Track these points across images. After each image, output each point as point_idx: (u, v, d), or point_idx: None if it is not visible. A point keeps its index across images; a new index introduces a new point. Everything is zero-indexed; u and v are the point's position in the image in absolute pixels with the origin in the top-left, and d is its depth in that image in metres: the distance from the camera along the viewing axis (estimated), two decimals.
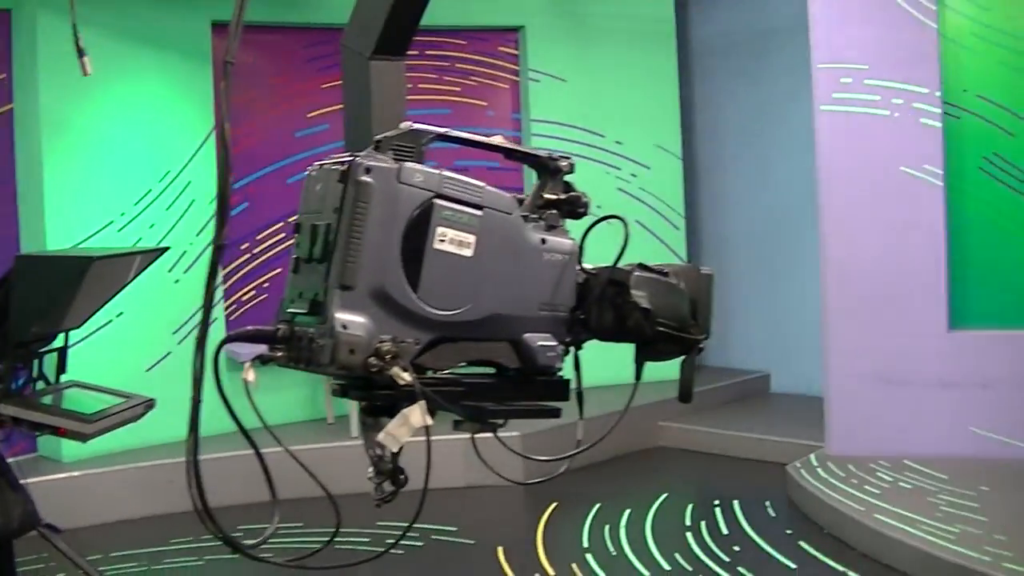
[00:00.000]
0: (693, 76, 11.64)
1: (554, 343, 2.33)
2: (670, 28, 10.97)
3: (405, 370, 2.09)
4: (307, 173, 2.26)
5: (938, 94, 7.54)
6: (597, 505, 7.55)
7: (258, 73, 9.59)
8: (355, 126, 2.69)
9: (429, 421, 2.11)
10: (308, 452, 7.90)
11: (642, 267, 2.41)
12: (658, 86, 10.87)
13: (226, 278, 9.24)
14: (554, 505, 7.58)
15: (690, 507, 7.53)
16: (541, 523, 7.25)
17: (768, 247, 11.05)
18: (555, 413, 2.40)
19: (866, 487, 6.94)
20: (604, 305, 2.37)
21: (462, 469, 7.83)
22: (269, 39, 9.58)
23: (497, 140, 2.45)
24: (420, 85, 10.07)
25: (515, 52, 10.64)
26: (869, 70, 7.61)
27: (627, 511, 7.40)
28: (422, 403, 2.09)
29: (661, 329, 2.38)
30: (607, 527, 7.11)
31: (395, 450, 2.20)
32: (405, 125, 2.23)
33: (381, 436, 2.14)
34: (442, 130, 2.29)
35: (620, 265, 2.39)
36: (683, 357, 2.47)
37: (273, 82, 9.72)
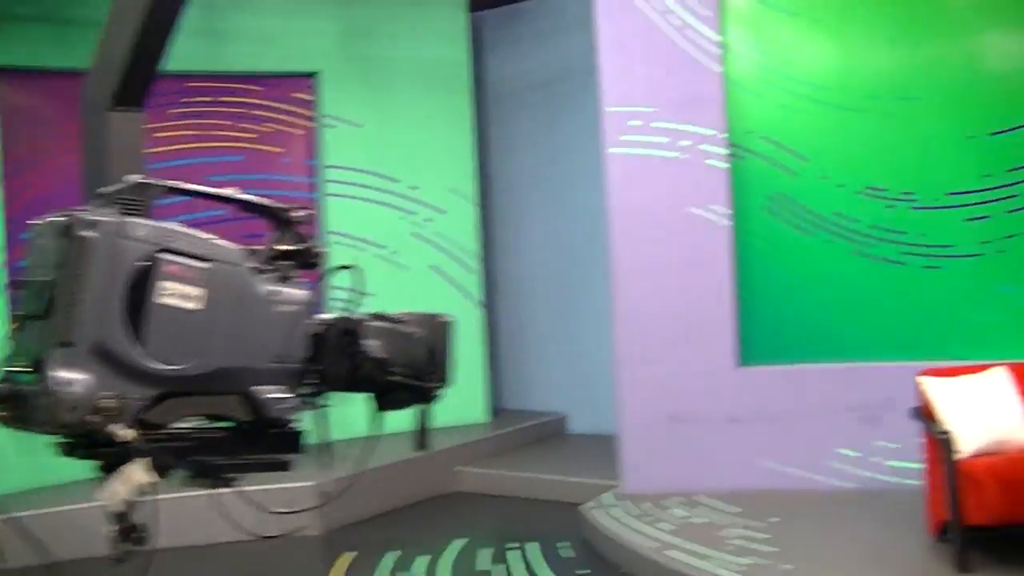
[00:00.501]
0: (490, 119, 11.70)
1: (286, 395, 2.28)
2: (465, 72, 11.01)
3: (128, 426, 2.00)
4: (32, 228, 2.17)
5: (724, 136, 7.72)
6: (394, 553, 7.43)
7: (51, 120, 9.20)
8: (93, 178, 2.62)
9: (150, 478, 2.03)
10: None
11: (377, 316, 2.38)
12: (453, 130, 10.90)
13: None
14: (353, 555, 7.43)
15: (487, 551, 7.47)
16: (334, 573, 7.09)
17: (565, 288, 11.14)
18: (284, 466, 2.35)
19: (659, 524, 6.99)
20: (339, 355, 2.33)
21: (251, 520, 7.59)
22: (62, 85, 9.23)
23: (229, 192, 2.40)
24: (213, 132, 9.87)
25: (310, 98, 10.53)
26: (656, 112, 7.76)
27: (424, 558, 7.29)
28: (143, 460, 2.01)
29: (394, 379, 2.35)
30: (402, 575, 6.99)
31: (118, 508, 2.11)
32: (131, 178, 2.17)
33: (101, 494, 2.05)
34: (170, 183, 2.23)
35: (359, 314, 2.35)
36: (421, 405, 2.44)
37: (68, 128, 9.36)
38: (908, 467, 6.84)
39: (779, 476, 7.64)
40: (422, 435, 2.48)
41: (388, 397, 2.38)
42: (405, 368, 2.36)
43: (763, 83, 7.88)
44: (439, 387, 2.42)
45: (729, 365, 7.70)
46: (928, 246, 7.66)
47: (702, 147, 7.71)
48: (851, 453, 7.59)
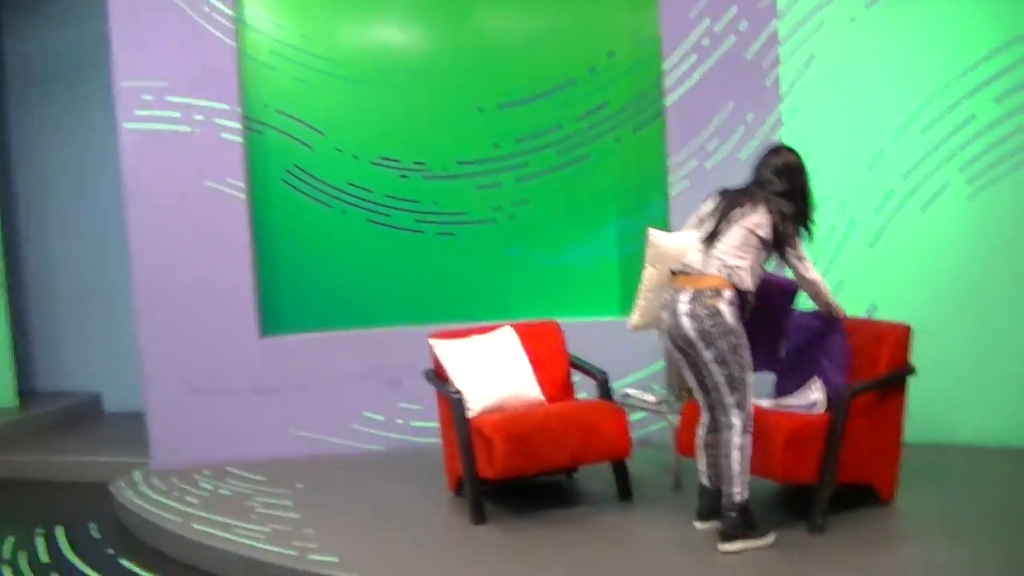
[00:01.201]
0: (8, 102, 11.10)
1: None
2: None
3: None
4: None
5: (239, 110, 7.71)
6: None
7: None
8: None
9: None
10: None
11: None
12: None
13: None
14: None
15: (10, 540, 7.18)
16: None
17: (97, 268, 10.76)
18: None
19: (187, 498, 6.96)
20: None
21: None
22: None
23: None
24: None
25: None
26: (170, 87, 7.63)
27: None
28: None
29: None
30: None
31: None
32: None
33: None
34: None
35: None
36: None
37: None
38: (430, 427, 7.13)
39: (307, 443, 7.80)
40: None
41: None
42: None
43: (278, 57, 7.92)
44: None
45: (252, 335, 7.76)
46: (442, 213, 8.01)
47: (217, 121, 7.66)
48: (376, 416, 7.85)
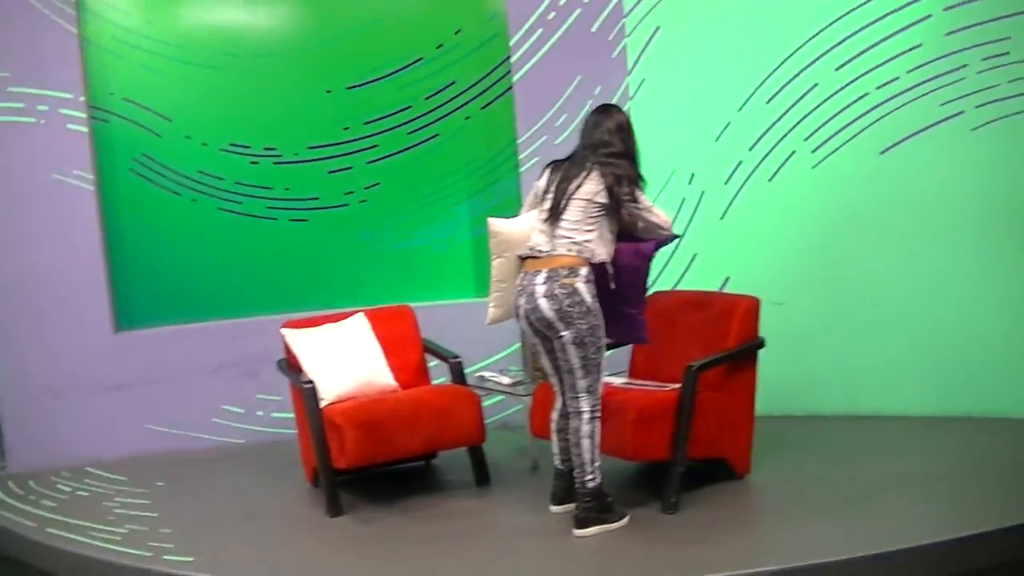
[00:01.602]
0: None
1: None
2: None
3: None
4: None
5: (83, 99, 7.52)
6: None
7: None
8: None
9: None
10: None
11: None
12: None
13: None
14: None
15: None
16: None
17: None
18: None
19: (44, 502, 6.81)
20: None
21: None
22: None
23: None
24: None
25: None
26: (12, 77, 7.42)
27: None
28: None
29: None
30: None
31: None
32: None
33: None
34: None
35: None
36: None
37: None
38: (289, 418, 7.05)
39: (168, 439, 7.68)
40: None
41: None
42: None
43: (123, 44, 7.74)
44: None
45: (107, 331, 7.60)
46: (294, 199, 7.92)
47: (61, 111, 7.47)
48: (236, 409, 7.76)
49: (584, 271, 5.28)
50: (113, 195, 7.72)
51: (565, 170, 5.46)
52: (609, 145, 5.41)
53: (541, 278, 5.30)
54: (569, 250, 5.31)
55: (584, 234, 5.31)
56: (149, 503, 6.56)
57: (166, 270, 7.88)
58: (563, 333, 5.26)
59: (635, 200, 5.34)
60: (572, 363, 5.30)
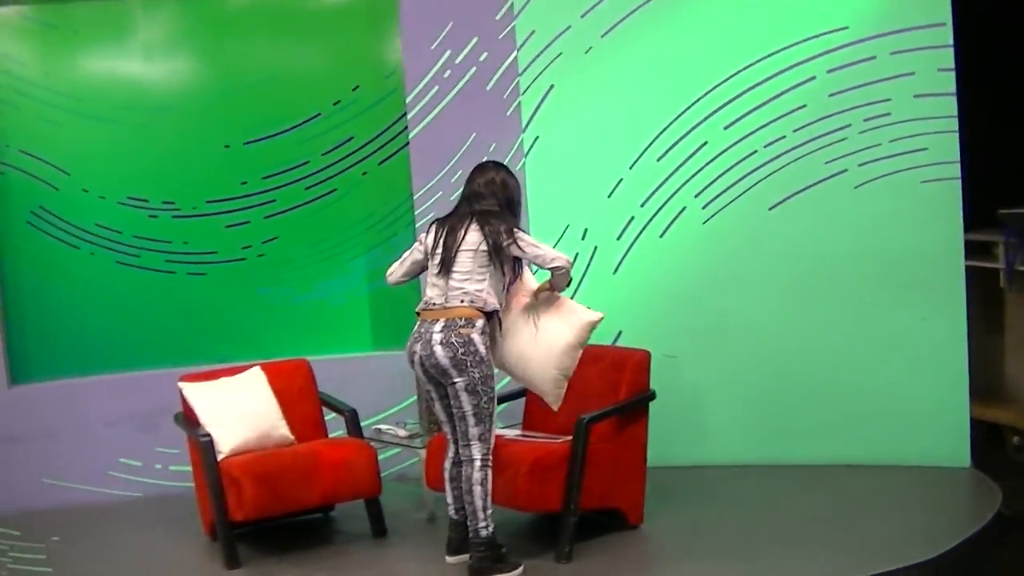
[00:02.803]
0: None
1: None
2: None
3: None
4: None
5: None
6: None
7: None
8: None
9: None
10: None
11: None
12: None
13: None
14: None
15: None
16: None
17: None
18: None
19: None
20: None
21: None
22: None
23: None
24: None
25: None
26: None
27: None
28: None
29: None
30: None
31: None
32: None
33: None
34: None
35: None
36: None
37: None
38: (187, 471, 7.04)
39: (64, 493, 7.59)
40: None
41: None
42: None
43: (21, 95, 7.72)
44: None
45: (1, 384, 7.55)
46: (192, 253, 7.92)
47: None
48: (134, 462, 7.71)
49: (480, 323, 5.47)
50: (10, 247, 7.70)
51: (449, 225, 5.64)
52: (485, 198, 5.66)
53: (438, 327, 5.46)
54: (462, 301, 5.50)
55: (476, 283, 5.52)
56: (44, 558, 6.51)
57: (63, 323, 7.83)
58: (456, 380, 5.42)
59: (516, 240, 5.53)
60: (465, 410, 5.45)
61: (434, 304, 5.56)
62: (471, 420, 5.45)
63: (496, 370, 5.64)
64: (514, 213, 5.74)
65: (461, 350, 5.40)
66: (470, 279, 5.52)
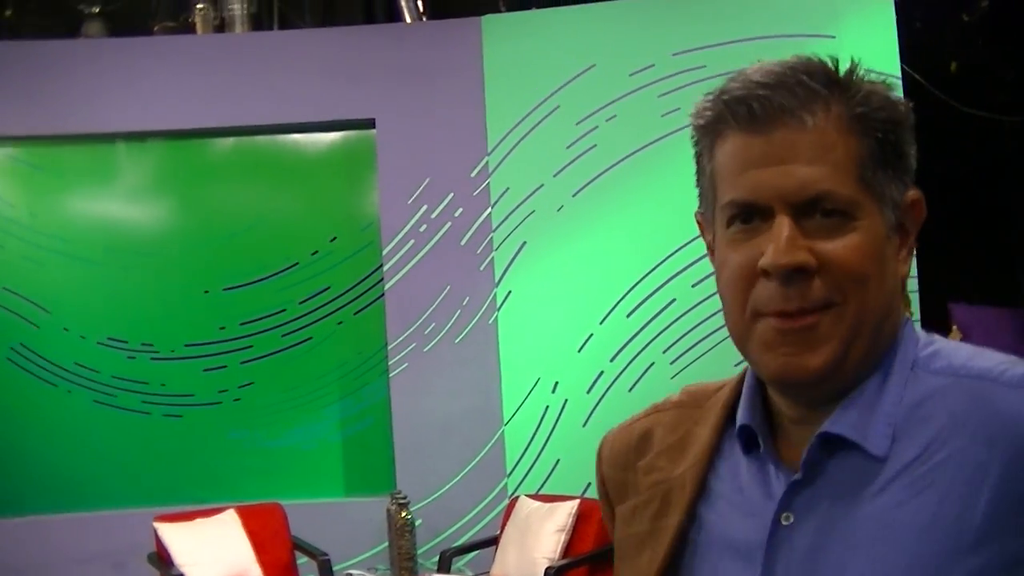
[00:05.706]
0: None
1: None
2: None
3: None
4: None
5: None
6: None
7: None
8: None
9: None
10: None
11: None
12: None
13: None
14: None
15: None
16: None
17: None
18: None
19: None
20: None
21: None
22: None
23: None
24: None
25: None
26: None
27: None
28: None
29: None
30: None
31: None
32: None
33: None
34: None
35: None
36: None
37: None
38: None
39: None
40: None
41: None
42: None
43: (6, 235, 7.90)
44: None
45: None
46: (169, 395, 8.04)
47: None
48: None
49: None
50: None
51: None
52: None
53: None
54: None
55: None
56: None
57: (36, 460, 7.89)
58: None
59: None
60: None
61: None
62: None
63: None
64: None
65: None
66: None
